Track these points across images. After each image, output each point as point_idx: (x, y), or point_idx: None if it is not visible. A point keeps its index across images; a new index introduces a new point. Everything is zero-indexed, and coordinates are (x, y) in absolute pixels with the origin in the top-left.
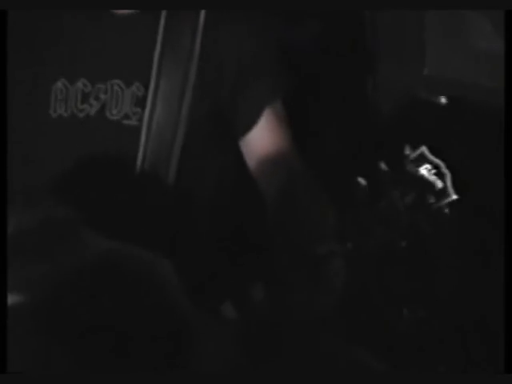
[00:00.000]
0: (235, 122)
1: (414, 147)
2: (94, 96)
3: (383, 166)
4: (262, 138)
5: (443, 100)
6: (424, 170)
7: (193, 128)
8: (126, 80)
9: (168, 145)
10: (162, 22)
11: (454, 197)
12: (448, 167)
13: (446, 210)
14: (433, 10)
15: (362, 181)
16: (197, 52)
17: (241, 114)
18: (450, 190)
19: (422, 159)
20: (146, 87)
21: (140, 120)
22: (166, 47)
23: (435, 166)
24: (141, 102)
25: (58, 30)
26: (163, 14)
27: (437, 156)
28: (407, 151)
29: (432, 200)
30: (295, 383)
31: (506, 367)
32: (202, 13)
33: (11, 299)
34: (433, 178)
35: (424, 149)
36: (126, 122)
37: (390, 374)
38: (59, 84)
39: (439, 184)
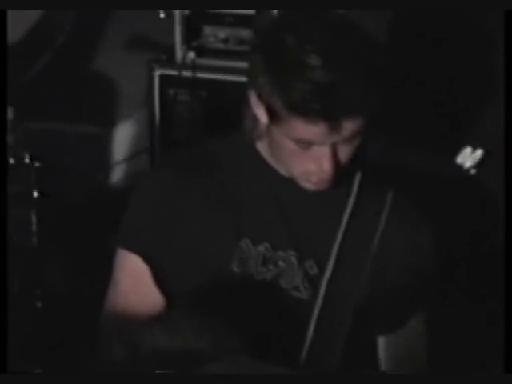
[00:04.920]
0: (385, 319)
1: None
2: (273, 262)
3: None
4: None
5: None
6: None
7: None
8: (303, 255)
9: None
10: (352, 200)
11: None
12: None
13: None
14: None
15: None
16: (377, 239)
17: (392, 314)
18: None
19: None
20: (319, 267)
21: (310, 296)
22: (351, 229)
23: None
24: (312, 280)
25: (247, 191)
26: (353, 192)
27: None
28: None
29: None
30: None
31: (506, 367)
32: (390, 195)
33: None
34: None
35: None
36: (295, 293)
37: (391, 374)
38: (243, 243)
39: None
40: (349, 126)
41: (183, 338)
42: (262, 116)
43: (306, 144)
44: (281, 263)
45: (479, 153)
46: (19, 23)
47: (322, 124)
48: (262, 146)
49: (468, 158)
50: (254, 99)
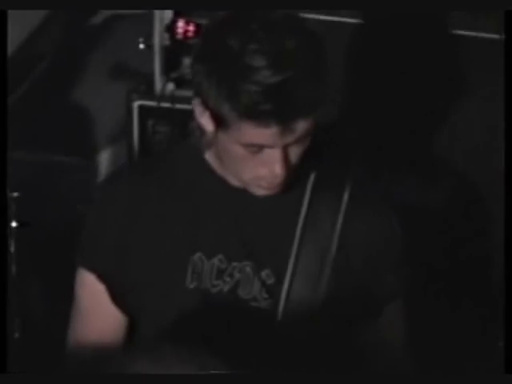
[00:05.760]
0: (356, 311)
1: None
2: (228, 274)
3: None
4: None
5: None
6: None
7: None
8: (258, 264)
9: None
10: (306, 204)
11: None
12: None
13: None
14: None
15: None
16: (336, 238)
17: (363, 306)
18: None
19: None
20: (276, 275)
21: (270, 305)
22: (307, 233)
23: None
24: (270, 289)
25: (198, 204)
26: (306, 195)
27: None
28: None
29: None
30: None
31: (506, 367)
32: (346, 193)
33: None
34: None
35: None
36: (254, 304)
37: (390, 374)
38: (196, 257)
39: None
40: (301, 126)
41: (169, 367)
42: (208, 124)
43: (256, 148)
44: (237, 274)
45: None
46: None
47: (274, 126)
48: (210, 157)
49: None
50: (198, 108)
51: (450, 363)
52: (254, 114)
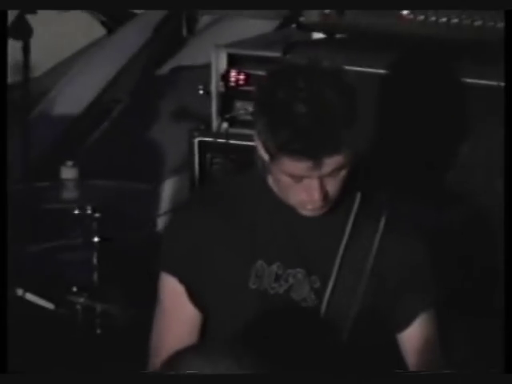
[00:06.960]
0: (392, 320)
1: None
2: (284, 278)
3: None
4: (416, 338)
5: None
6: None
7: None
8: (308, 271)
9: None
10: (350, 223)
11: None
12: None
13: None
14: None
15: None
16: (372, 258)
17: (398, 315)
18: None
19: None
20: (322, 281)
21: (316, 305)
22: (349, 247)
23: None
24: (317, 292)
25: (260, 220)
26: (351, 216)
27: None
28: None
29: None
30: None
31: (506, 367)
32: (383, 219)
33: None
34: None
35: None
36: (304, 304)
37: (392, 373)
38: (258, 264)
39: None
40: (329, 163)
41: (225, 366)
42: (264, 155)
43: (297, 178)
44: (290, 279)
45: None
46: (81, 97)
47: (304, 161)
48: (271, 182)
49: None
50: (257, 142)
51: (450, 363)
52: (287, 151)
